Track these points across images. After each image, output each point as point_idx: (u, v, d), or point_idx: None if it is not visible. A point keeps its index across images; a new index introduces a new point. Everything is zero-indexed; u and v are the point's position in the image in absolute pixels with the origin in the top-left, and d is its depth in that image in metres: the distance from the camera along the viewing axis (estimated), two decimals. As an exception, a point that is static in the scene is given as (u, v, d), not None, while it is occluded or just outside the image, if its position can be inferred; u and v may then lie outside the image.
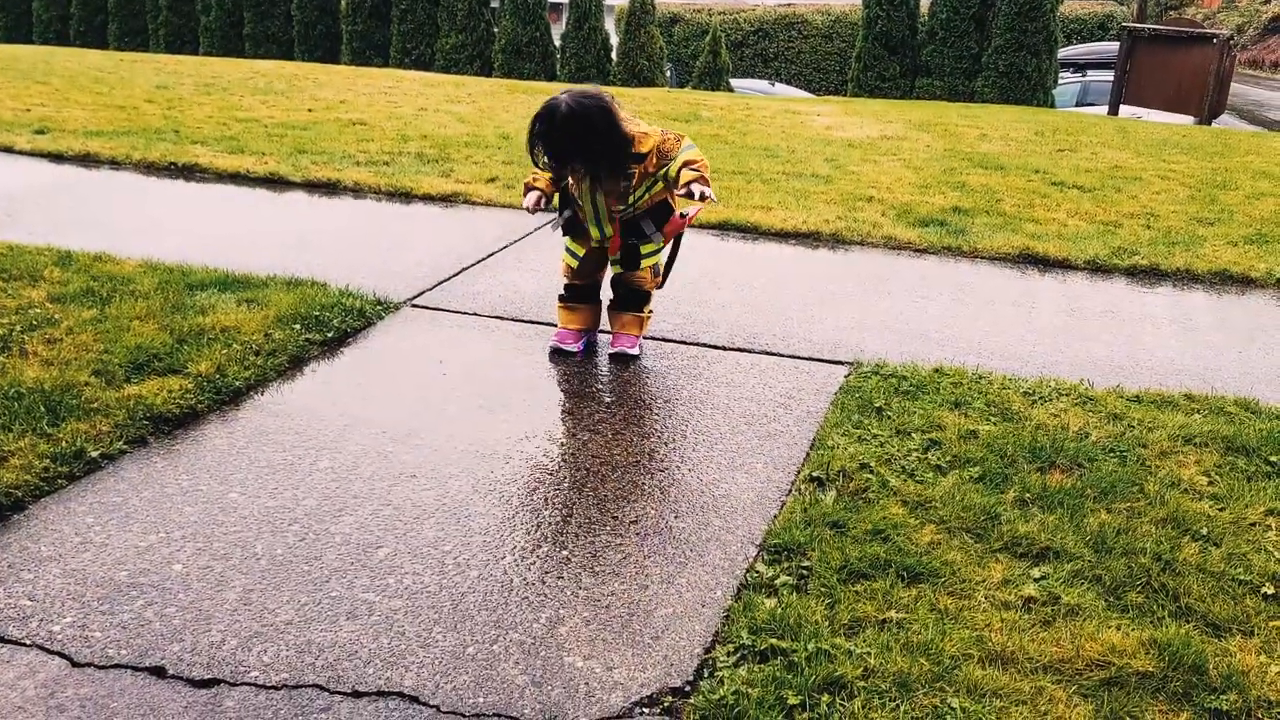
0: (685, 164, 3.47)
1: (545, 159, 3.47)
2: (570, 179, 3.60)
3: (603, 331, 3.93)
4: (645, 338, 3.92)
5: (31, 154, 6.59)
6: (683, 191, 3.44)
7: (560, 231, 3.82)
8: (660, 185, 3.59)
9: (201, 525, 2.61)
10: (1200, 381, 3.78)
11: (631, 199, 3.58)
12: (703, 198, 3.39)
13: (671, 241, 3.88)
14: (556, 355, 3.77)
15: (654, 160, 3.52)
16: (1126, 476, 2.96)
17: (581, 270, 3.80)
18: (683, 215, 3.80)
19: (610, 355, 3.77)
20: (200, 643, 2.19)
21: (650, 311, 3.85)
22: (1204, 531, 2.71)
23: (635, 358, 3.75)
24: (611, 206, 3.59)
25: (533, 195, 3.64)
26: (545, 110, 3.37)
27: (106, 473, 2.83)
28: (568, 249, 3.82)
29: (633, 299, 3.79)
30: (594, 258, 3.79)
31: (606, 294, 3.90)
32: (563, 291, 3.86)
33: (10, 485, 2.67)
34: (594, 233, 3.66)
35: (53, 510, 2.65)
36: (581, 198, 3.61)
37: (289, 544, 2.55)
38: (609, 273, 3.83)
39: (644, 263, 3.75)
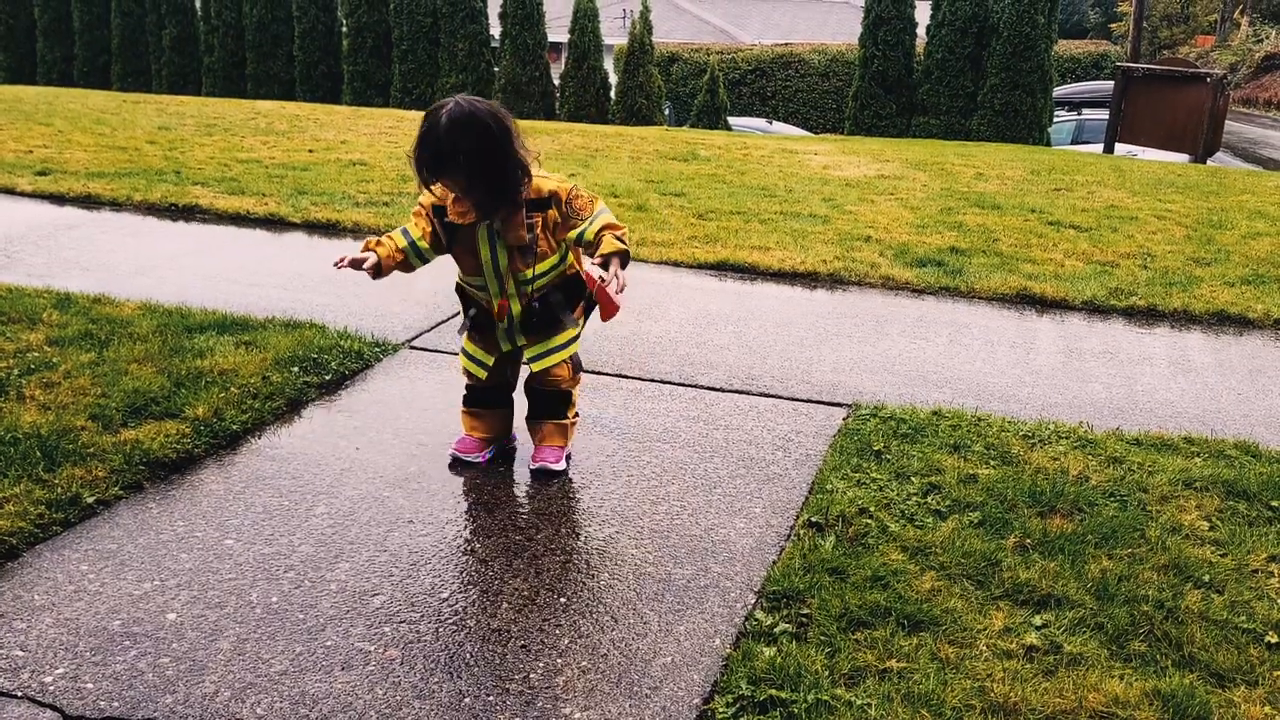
0: (607, 227, 2.91)
1: (421, 174, 2.87)
2: (456, 216, 2.96)
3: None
4: (647, 380, 3.91)
5: (33, 195, 6.62)
6: (599, 261, 2.87)
7: (463, 336, 3.22)
8: (567, 262, 3.10)
9: (196, 573, 2.59)
10: (1199, 424, 3.78)
11: (531, 270, 3.00)
12: (612, 284, 2.81)
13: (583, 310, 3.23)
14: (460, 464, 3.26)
15: (558, 212, 2.97)
16: (1127, 522, 2.94)
17: (489, 373, 3.21)
18: (602, 280, 2.92)
19: (531, 472, 3.20)
20: (194, 694, 2.17)
21: (576, 415, 3.27)
22: (1206, 578, 2.69)
23: (560, 474, 3.18)
24: (516, 267, 3.01)
25: (368, 259, 2.97)
26: (431, 109, 2.85)
27: (102, 519, 2.82)
28: (470, 355, 3.20)
29: (552, 403, 3.19)
30: (502, 358, 3.21)
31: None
32: (465, 393, 3.28)
33: (5, 532, 2.65)
34: (484, 299, 3.09)
35: (47, 558, 2.63)
36: (479, 243, 2.99)
37: (284, 591, 2.53)
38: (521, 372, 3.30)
39: (558, 355, 3.13)
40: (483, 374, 3.20)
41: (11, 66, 23.69)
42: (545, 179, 2.98)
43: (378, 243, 3.02)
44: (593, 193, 3.04)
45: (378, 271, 3.00)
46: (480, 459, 3.26)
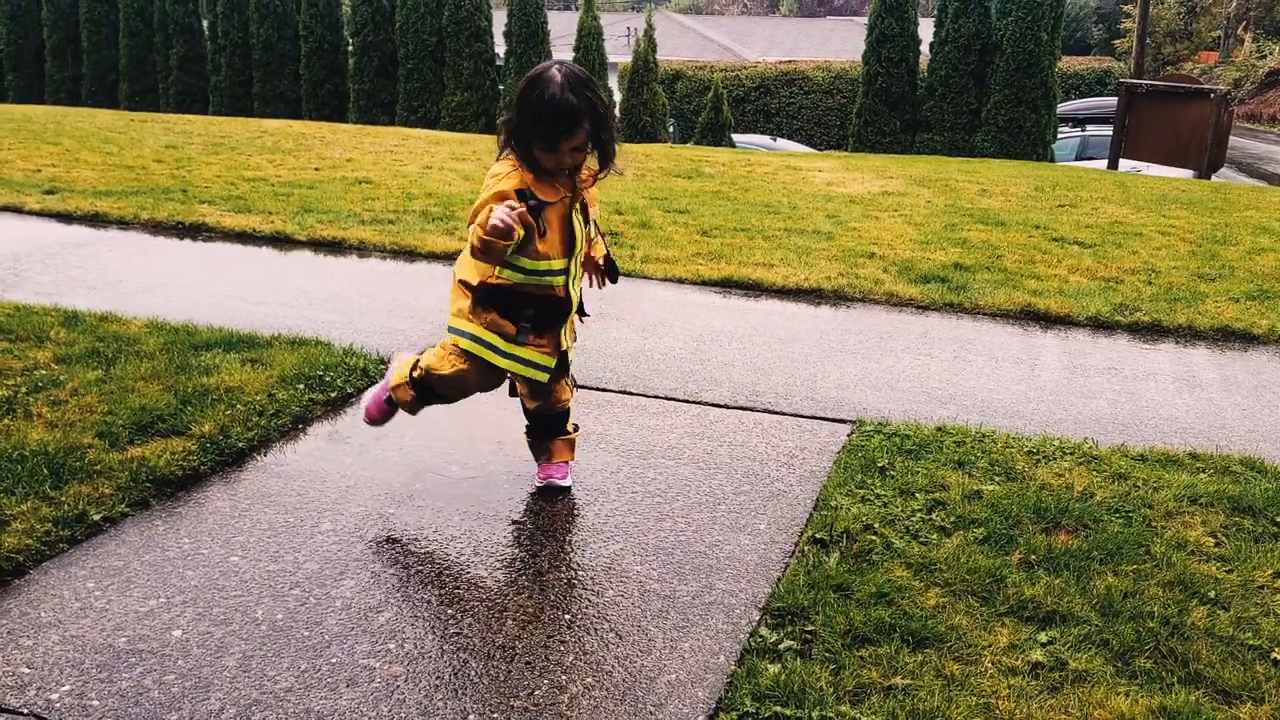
0: (600, 235, 3.05)
1: (540, 140, 2.72)
2: (545, 194, 2.80)
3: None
4: (651, 396, 3.92)
5: (41, 214, 6.66)
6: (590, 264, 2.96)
7: (524, 338, 2.92)
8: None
9: (202, 590, 2.60)
10: (1205, 440, 3.78)
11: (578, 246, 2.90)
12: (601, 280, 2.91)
13: None
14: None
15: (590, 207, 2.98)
16: (1132, 538, 2.94)
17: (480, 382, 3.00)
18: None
19: (540, 489, 3.17)
20: (199, 711, 2.17)
21: (576, 426, 3.23)
22: (1212, 594, 2.68)
23: (569, 489, 3.18)
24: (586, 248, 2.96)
25: (503, 211, 2.61)
26: (530, 77, 2.75)
27: (108, 536, 2.83)
28: (528, 361, 2.93)
29: (561, 421, 3.16)
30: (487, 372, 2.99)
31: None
32: (413, 389, 3.08)
33: (12, 550, 2.66)
34: (560, 284, 2.89)
35: (53, 575, 2.64)
36: (573, 220, 2.86)
37: (289, 608, 2.54)
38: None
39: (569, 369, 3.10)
40: (545, 377, 2.95)
41: (20, 86, 23.88)
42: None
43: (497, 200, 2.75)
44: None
45: (507, 234, 2.64)
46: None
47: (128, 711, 2.16)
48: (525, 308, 2.89)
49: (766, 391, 4.08)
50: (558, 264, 2.88)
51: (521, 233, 2.68)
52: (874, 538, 2.90)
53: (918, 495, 3.16)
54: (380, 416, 3.26)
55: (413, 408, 3.17)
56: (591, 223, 3.01)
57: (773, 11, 62.50)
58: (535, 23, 19.30)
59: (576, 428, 3.24)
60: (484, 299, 2.90)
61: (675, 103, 25.08)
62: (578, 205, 2.90)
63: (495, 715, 2.19)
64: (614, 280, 3.15)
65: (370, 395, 3.32)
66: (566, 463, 3.21)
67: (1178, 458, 3.53)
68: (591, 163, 2.89)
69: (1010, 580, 2.70)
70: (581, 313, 3.05)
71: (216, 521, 2.94)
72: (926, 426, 3.69)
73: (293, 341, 4.24)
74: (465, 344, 2.93)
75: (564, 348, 3.00)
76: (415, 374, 3.08)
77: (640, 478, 3.30)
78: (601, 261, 3.10)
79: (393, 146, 10.98)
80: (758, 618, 2.56)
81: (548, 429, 3.17)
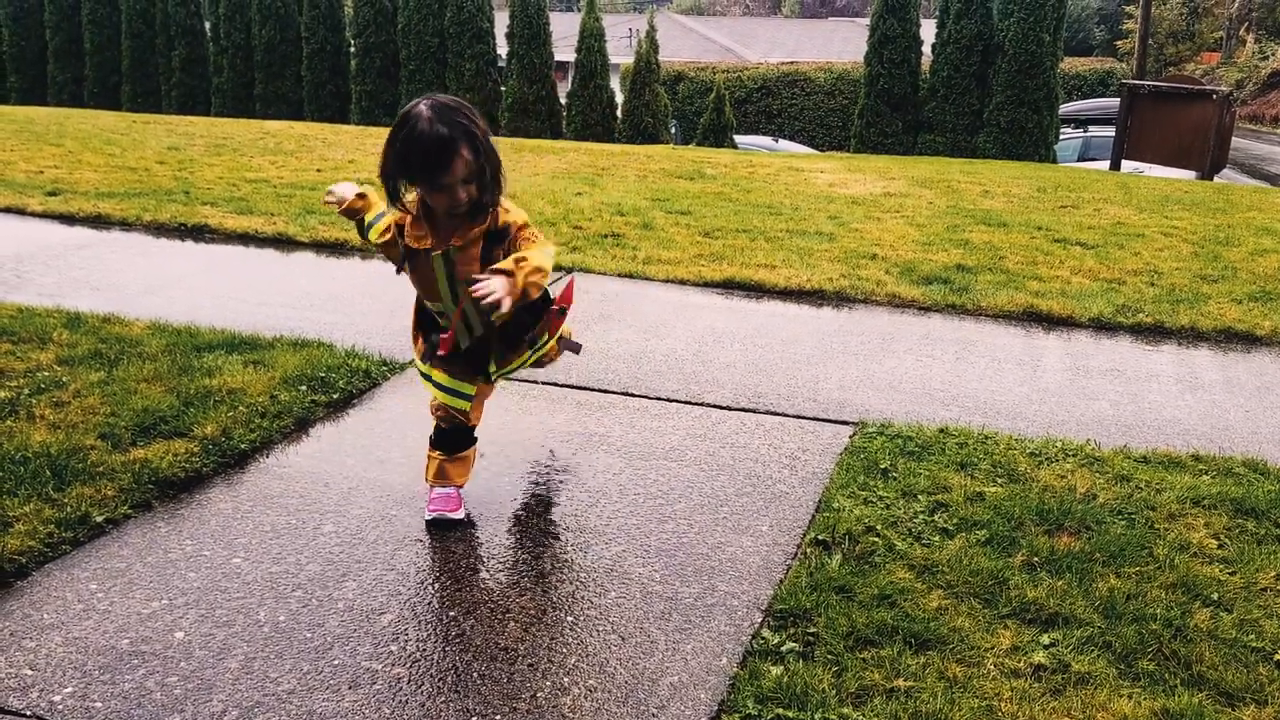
0: (534, 270, 2.64)
1: (422, 183, 2.64)
2: (413, 240, 2.75)
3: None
4: (653, 398, 3.92)
5: (43, 215, 6.66)
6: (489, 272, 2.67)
7: (424, 361, 2.96)
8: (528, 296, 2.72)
9: (205, 591, 2.60)
10: (1207, 441, 3.77)
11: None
12: (480, 287, 2.54)
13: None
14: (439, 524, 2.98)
15: (506, 248, 2.75)
16: (1135, 540, 2.94)
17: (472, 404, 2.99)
18: (560, 312, 2.98)
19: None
20: (201, 713, 2.17)
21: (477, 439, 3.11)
22: (1215, 596, 2.68)
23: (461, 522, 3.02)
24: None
25: (345, 187, 2.86)
26: (401, 115, 2.62)
27: (111, 537, 2.83)
28: (443, 386, 2.94)
29: (465, 436, 3.04)
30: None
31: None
32: (434, 435, 3.02)
33: (15, 551, 2.66)
34: (461, 336, 2.83)
35: (56, 576, 2.64)
36: (435, 270, 2.76)
37: (292, 610, 2.54)
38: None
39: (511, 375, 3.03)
40: (466, 405, 2.94)
41: (23, 87, 23.90)
42: (508, 210, 2.77)
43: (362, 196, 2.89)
44: (547, 241, 2.80)
45: (349, 211, 2.87)
46: (463, 515, 3.00)
47: (130, 713, 2.16)
48: (431, 330, 2.96)
49: (769, 393, 4.08)
50: (433, 305, 2.90)
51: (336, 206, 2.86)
52: (876, 539, 2.89)
53: (920, 497, 3.16)
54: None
55: (440, 449, 3.04)
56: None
57: (775, 13, 62.52)
58: (537, 24, 19.30)
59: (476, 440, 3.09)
60: (415, 312, 3.01)
61: (677, 104, 25.08)
62: (446, 258, 2.73)
63: (498, 717, 2.19)
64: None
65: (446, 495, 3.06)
66: (460, 488, 3.04)
67: (1180, 459, 3.53)
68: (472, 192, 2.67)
69: (1013, 582, 2.70)
70: (515, 343, 2.93)
71: (219, 523, 2.94)
72: (929, 428, 3.69)
73: (295, 343, 4.24)
74: (418, 373, 3.06)
75: (489, 371, 2.95)
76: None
77: (642, 479, 3.30)
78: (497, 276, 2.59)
79: (395, 148, 10.97)
80: (760, 619, 2.56)
81: (453, 443, 3.00)
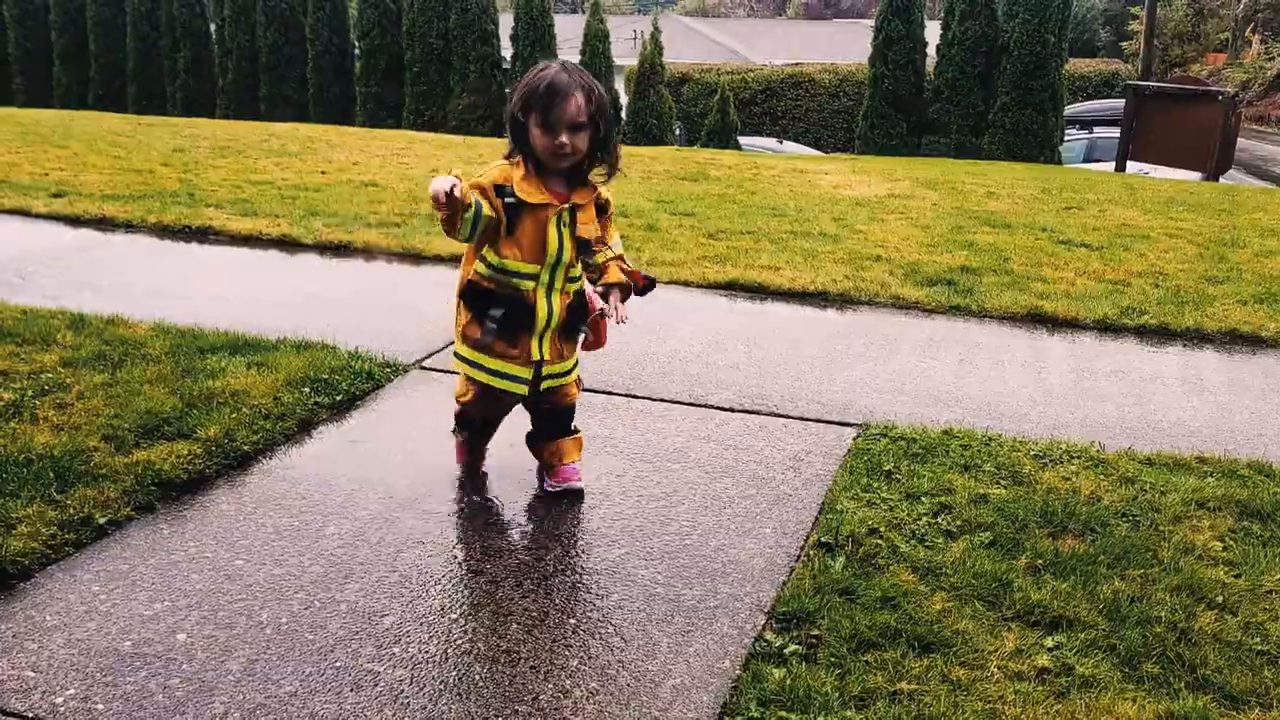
0: (617, 259, 2.97)
1: (538, 115, 2.74)
2: (526, 193, 2.80)
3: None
4: (657, 399, 3.91)
5: (48, 217, 6.67)
6: (600, 289, 2.95)
7: (488, 338, 2.93)
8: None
9: (207, 593, 2.60)
10: (1212, 443, 3.76)
11: (577, 268, 2.92)
12: (612, 315, 2.92)
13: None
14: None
15: (594, 220, 2.94)
16: (1140, 542, 2.93)
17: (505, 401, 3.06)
18: (602, 314, 3.05)
19: (554, 494, 3.14)
20: (203, 715, 2.17)
21: (577, 428, 3.19)
22: (1220, 599, 2.67)
23: (582, 492, 3.16)
24: (572, 260, 2.90)
25: (447, 181, 2.59)
26: (536, 71, 2.80)
27: (113, 539, 2.83)
28: (495, 371, 2.94)
29: (566, 418, 3.13)
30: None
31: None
32: (463, 420, 3.17)
33: (17, 553, 2.66)
34: (527, 288, 2.87)
35: (59, 578, 2.64)
36: (549, 227, 2.83)
37: (294, 612, 2.53)
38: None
39: (574, 374, 3.09)
40: (523, 389, 2.96)
41: (28, 90, 23.97)
42: (608, 189, 3.00)
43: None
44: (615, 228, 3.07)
45: (450, 202, 2.62)
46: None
47: (132, 715, 2.16)
48: (492, 307, 2.90)
49: (772, 394, 4.07)
50: (525, 267, 2.86)
51: (447, 209, 2.63)
52: (880, 542, 2.89)
53: (924, 499, 3.15)
54: (460, 459, 3.31)
55: (468, 444, 3.26)
56: (607, 246, 2.98)
57: (779, 14, 62.52)
58: (542, 26, 19.32)
59: (578, 430, 3.21)
60: (465, 298, 2.95)
61: (682, 105, 25.07)
62: (564, 216, 2.85)
63: (499, 720, 2.19)
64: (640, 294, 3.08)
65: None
66: (578, 463, 3.17)
67: (1185, 461, 3.51)
68: (597, 176, 2.94)
69: (1016, 585, 2.69)
70: (573, 331, 3.02)
71: (222, 525, 2.94)
72: (933, 430, 3.68)
73: (299, 345, 4.24)
74: (459, 365, 3.03)
75: (537, 358, 2.94)
76: (455, 410, 3.21)
77: (645, 481, 3.30)
78: (618, 293, 2.95)
79: (399, 149, 10.99)
80: (763, 622, 2.55)
81: (553, 426, 3.12)
